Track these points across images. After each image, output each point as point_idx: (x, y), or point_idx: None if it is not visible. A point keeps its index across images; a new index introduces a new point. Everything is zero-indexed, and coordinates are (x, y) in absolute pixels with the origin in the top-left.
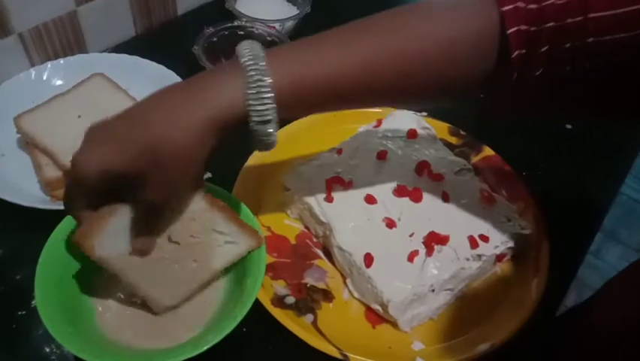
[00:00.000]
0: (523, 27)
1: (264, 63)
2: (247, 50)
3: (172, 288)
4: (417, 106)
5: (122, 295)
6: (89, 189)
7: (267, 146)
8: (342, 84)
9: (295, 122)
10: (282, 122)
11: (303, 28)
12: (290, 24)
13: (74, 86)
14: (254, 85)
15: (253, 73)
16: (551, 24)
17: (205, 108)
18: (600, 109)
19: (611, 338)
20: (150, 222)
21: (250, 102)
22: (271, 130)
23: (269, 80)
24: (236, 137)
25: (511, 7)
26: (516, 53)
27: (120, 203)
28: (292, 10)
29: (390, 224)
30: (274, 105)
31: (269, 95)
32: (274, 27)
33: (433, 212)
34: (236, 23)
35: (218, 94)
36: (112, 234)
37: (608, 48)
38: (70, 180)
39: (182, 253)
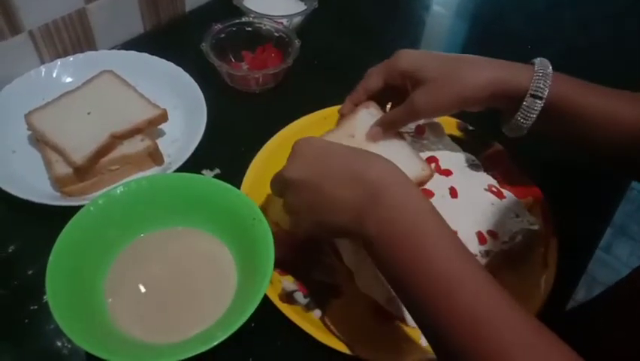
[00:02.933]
0: None
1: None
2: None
3: None
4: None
5: (133, 291)
6: (392, 69)
7: (518, 131)
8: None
9: (303, 117)
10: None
11: (311, 24)
12: (297, 20)
13: (84, 83)
14: (536, 86)
15: (540, 82)
16: None
17: (500, 73)
18: None
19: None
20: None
21: (531, 91)
22: (534, 115)
23: (546, 90)
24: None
25: None
26: None
27: None
28: (300, 6)
29: None
30: (541, 104)
31: (541, 100)
32: (282, 23)
33: (441, 208)
34: (243, 20)
35: (514, 72)
36: None
37: None
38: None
39: None
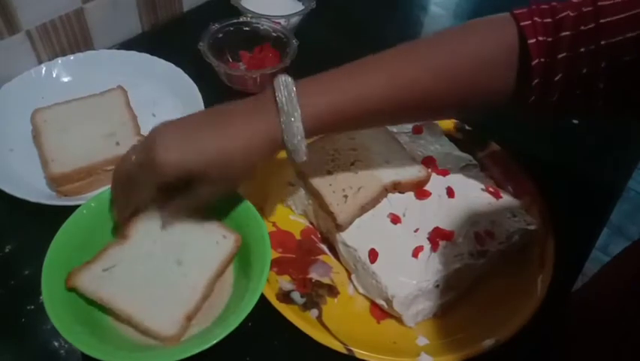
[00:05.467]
0: (541, 38)
1: (295, 97)
2: (281, 85)
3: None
4: (447, 117)
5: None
6: (163, 180)
7: (298, 159)
8: (371, 104)
9: None
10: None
11: (308, 24)
12: (295, 20)
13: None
14: (286, 118)
15: (286, 108)
16: (567, 33)
17: (266, 132)
18: (619, 105)
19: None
20: (190, 205)
21: (284, 133)
22: (300, 149)
23: (298, 113)
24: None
25: (529, 22)
26: (536, 61)
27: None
28: (297, 6)
29: (395, 220)
30: (302, 132)
31: (298, 125)
32: (279, 23)
33: (438, 208)
34: (241, 19)
35: (268, 123)
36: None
37: (618, 48)
38: (145, 172)
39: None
